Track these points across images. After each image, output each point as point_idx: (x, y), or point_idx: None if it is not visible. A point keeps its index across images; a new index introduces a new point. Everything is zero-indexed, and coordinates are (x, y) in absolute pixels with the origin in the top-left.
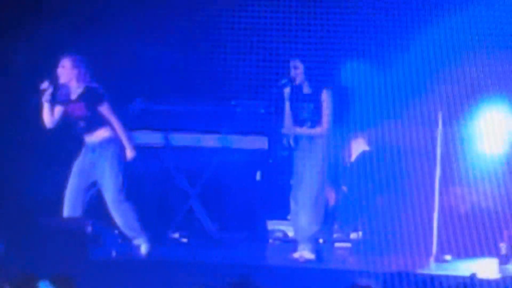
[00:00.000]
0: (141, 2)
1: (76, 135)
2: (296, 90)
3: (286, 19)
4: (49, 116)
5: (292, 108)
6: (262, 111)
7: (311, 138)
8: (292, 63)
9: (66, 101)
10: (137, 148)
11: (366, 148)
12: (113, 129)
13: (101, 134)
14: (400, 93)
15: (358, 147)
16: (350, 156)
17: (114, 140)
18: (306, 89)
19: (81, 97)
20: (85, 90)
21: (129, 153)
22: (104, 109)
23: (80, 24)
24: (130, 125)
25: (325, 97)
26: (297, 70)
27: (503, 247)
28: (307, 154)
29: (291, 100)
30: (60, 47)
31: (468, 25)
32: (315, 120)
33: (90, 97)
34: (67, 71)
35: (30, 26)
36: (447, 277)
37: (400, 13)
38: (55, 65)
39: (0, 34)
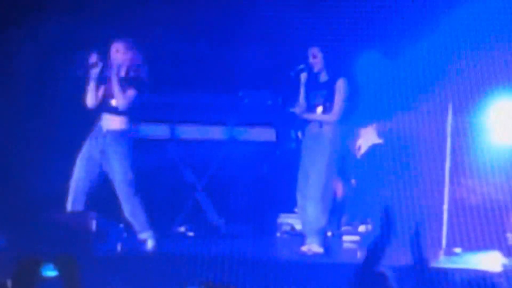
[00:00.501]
0: None
1: (90, 118)
2: (313, 78)
3: (297, 7)
4: (94, 94)
5: (306, 94)
6: (270, 102)
7: (319, 129)
8: (311, 51)
9: (110, 80)
10: (143, 141)
11: (377, 140)
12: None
13: (120, 123)
14: (410, 84)
15: (369, 139)
16: (360, 148)
17: (127, 133)
18: (323, 78)
19: (127, 78)
20: (134, 73)
21: None
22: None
23: (85, 16)
24: (136, 117)
25: (341, 85)
26: (316, 59)
27: (510, 237)
28: (315, 146)
29: (306, 86)
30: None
31: (479, 16)
32: (327, 107)
33: (134, 81)
34: (121, 55)
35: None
36: (458, 270)
37: (413, 6)
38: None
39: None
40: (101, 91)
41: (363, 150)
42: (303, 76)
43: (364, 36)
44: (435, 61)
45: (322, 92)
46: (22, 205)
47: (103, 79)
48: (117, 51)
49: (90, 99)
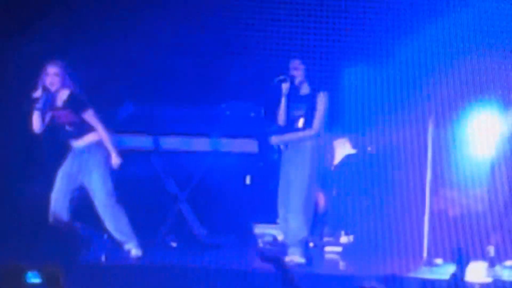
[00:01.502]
0: (130, 5)
1: (64, 140)
2: (294, 90)
3: (282, 21)
4: (39, 122)
5: (286, 106)
6: (252, 114)
7: (300, 140)
8: (292, 64)
9: (53, 108)
10: (127, 151)
11: (352, 151)
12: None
13: (89, 138)
14: (392, 96)
15: (343, 149)
16: (333, 158)
17: (101, 144)
18: (305, 90)
19: (66, 103)
20: (70, 97)
21: (114, 160)
22: (89, 116)
23: (70, 27)
24: (119, 129)
25: (322, 99)
26: (297, 71)
27: (491, 249)
28: (296, 158)
29: (287, 97)
30: (49, 52)
31: (460, 28)
32: (308, 120)
33: (74, 104)
34: (51, 78)
35: (18, 32)
36: (438, 281)
37: (391, 18)
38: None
39: None
40: (47, 117)
41: (337, 160)
42: (285, 87)
43: (346, 49)
44: (417, 74)
45: (303, 105)
46: (7, 215)
47: (48, 106)
48: (47, 74)
49: (36, 127)
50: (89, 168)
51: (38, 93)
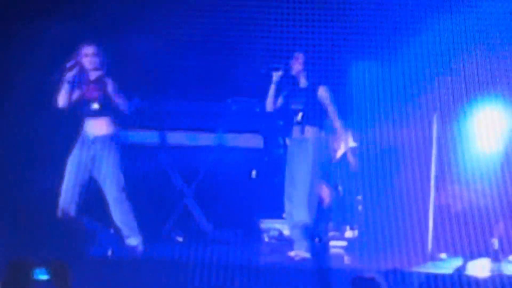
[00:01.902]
0: (137, 1)
1: (84, 117)
2: (292, 83)
3: (286, 14)
4: (67, 95)
5: (284, 99)
6: (258, 109)
7: (301, 136)
8: (294, 56)
9: (85, 82)
10: (133, 146)
11: (353, 144)
12: (116, 123)
13: (105, 128)
14: (396, 92)
15: (345, 143)
16: (335, 152)
17: (116, 138)
18: (303, 83)
19: (99, 81)
20: (102, 76)
21: None
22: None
23: (75, 22)
24: (125, 124)
25: (324, 93)
26: (297, 61)
27: (495, 242)
28: (298, 152)
29: (280, 87)
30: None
31: (463, 25)
32: (307, 114)
33: (106, 82)
34: (90, 58)
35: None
36: (442, 275)
37: (396, 14)
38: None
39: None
40: (75, 94)
41: (339, 154)
42: (276, 75)
43: (350, 44)
44: (421, 69)
45: (302, 99)
46: (14, 209)
47: (77, 82)
48: (86, 56)
49: (63, 100)
50: (102, 161)
51: (73, 70)
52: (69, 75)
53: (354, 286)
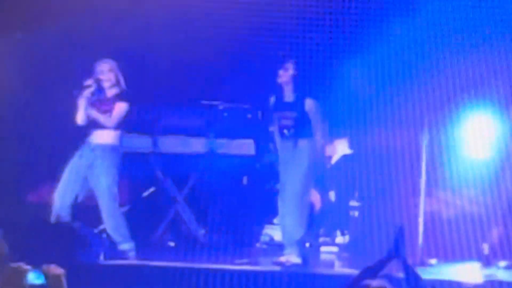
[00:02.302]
0: (129, 6)
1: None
2: (279, 96)
3: (280, 24)
4: (85, 112)
5: (275, 115)
6: (249, 116)
7: (295, 142)
8: (286, 65)
9: (102, 99)
10: (125, 152)
11: (348, 151)
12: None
13: (107, 138)
14: (387, 97)
15: (340, 149)
16: (330, 158)
17: (117, 148)
18: (289, 97)
19: (113, 98)
20: (118, 95)
21: None
22: (119, 109)
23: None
24: (124, 132)
25: (311, 107)
26: (286, 72)
27: (486, 247)
28: (291, 159)
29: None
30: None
31: (454, 28)
32: (299, 130)
33: (122, 98)
34: (108, 74)
35: None
36: (433, 281)
37: (387, 18)
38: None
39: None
40: (93, 111)
41: (334, 160)
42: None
43: (338, 50)
44: (411, 75)
45: (291, 114)
46: (9, 214)
47: (94, 99)
48: (102, 72)
49: (81, 117)
50: (98, 169)
51: (90, 88)
52: (87, 93)
53: None
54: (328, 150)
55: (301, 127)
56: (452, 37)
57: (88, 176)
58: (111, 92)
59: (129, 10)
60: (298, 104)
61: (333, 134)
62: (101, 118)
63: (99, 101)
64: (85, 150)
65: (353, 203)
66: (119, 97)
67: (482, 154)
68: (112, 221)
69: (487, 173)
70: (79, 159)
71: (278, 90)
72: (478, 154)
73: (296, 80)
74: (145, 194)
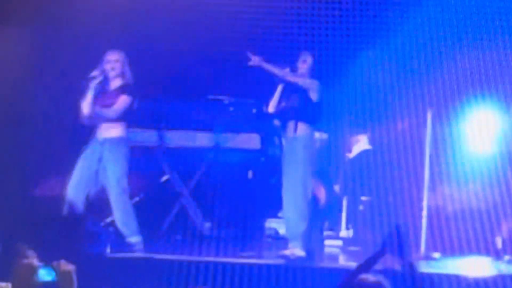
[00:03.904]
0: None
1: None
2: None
3: (287, 15)
4: (90, 103)
5: (280, 95)
6: (255, 110)
7: (293, 134)
8: (302, 56)
9: (107, 90)
10: (132, 147)
11: (367, 146)
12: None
13: (116, 130)
14: (391, 93)
15: (360, 145)
16: (350, 152)
17: (125, 141)
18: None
19: (118, 90)
20: (122, 86)
21: None
22: (123, 102)
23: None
24: (130, 125)
25: (314, 86)
26: (304, 64)
27: (499, 241)
28: (290, 152)
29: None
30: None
31: (457, 24)
32: (301, 113)
33: (124, 92)
34: (113, 64)
35: None
36: (437, 275)
37: (398, 15)
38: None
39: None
40: (98, 102)
41: (353, 154)
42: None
43: (349, 45)
44: (416, 70)
45: (297, 96)
46: (18, 209)
47: (99, 90)
48: (109, 62)
49: (87, 108)
50: (107, 163)
51: (97, 78)
52: (93, 83)
53: None
54: (348, 144)
55: (304, 110)
56: (456, 32)
57: (99, 170)
58: (115, 83)
59: (137, 3)
60: (300, 90)
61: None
62: (104, 111)
63: (103, 93)
64: (95, 145)
65: (358, 197)
66: (122, 89)
67: (486, 148)
68: (121, 214)
69: (491, 168)
70: (90, 154)
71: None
72: (482, 148)
73: (314, 68)
74: (163, 179)
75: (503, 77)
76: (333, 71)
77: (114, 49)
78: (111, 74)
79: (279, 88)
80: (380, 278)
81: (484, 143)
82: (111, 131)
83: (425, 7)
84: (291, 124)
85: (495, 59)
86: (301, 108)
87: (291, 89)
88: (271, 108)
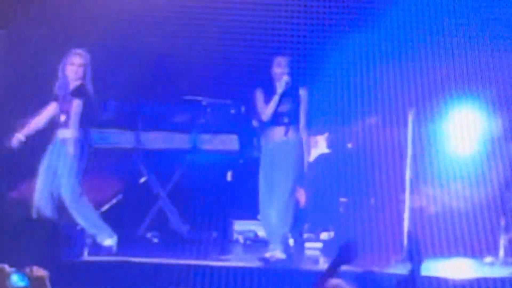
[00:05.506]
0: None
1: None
2: (273, 88)
3: (266, 17)
4: (52, 105)
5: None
6: (233, 111)
7: (284, 138)
8: (276, 61)
9: (63, 95)
10: (108, 148)
11: (326, 150)
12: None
13: (69, 132)
14: (372, 92)
15: (318, 148)
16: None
17: (81, 140)
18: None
19: (74, 92)
20: (79, 87)
21: None
22: (76, 107)
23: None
24: (101, 125)
25: (304, 95)
26: (280, 69)
27: (504, 239)
28: (279, 154)
29: (267, 96)
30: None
31: (436, 23)
32: (292, 116)
33: (79, 95)
34: (77, 68)
35: None
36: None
37: (378, 16)
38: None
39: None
40: (53, 107)
41: (311, 158)
42: (280, 86)
43: (325, 45)
44: (396, 69)
45: (288, 100)
46: None
47: (61, 95)
48: (72, 63)
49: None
50: (62, 163)
51: (59, 81)
52: (56, 86)
53: None
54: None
55: (294, 115)
56: (435, 32)
57: (59, 166)
58: (73, 84)
59: (113, 2)
60: (293, 92)
61: (316, 129)
62: (62, 118)
63: (62, 96)
64: (55, 147)
65: (338, 199)
66: (77, 92)
67: (467, 149)
68: (78, 213)
69: (473, 168)
70: (49, 156)
71: (267, 83)
72: (463, 149)
73: (291, 71)
74: (140, 181)
75: (484, 77)
76: (312, 73)
77: (80, 50)
78: (72, 76)
79: (275, 98)
80: (341, 282)
81: (466, 143)
82: (65, 132)
83: (405, 6)
84: (281, 128)
85: (476, 59)
86: (293, 113)
87: (285, 96)
88: (265, 117)
